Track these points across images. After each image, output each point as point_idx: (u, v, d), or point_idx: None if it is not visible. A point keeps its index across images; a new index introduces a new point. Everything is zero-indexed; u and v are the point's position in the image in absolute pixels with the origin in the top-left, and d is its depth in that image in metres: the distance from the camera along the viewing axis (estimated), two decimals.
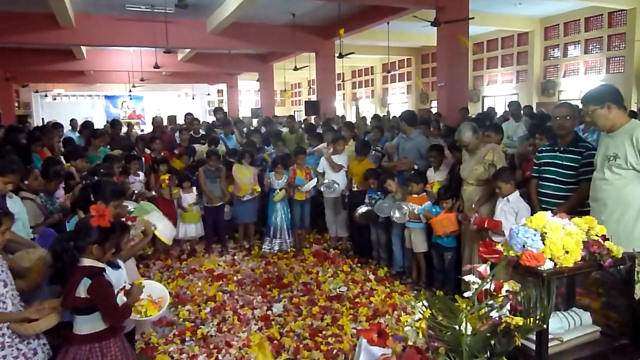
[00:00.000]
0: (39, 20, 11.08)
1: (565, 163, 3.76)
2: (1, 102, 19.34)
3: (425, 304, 1.70)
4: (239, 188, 6.41)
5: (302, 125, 11.22)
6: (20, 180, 4.05)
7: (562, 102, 4.36)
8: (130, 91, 21.02)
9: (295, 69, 14.80)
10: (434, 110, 12.62)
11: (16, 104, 21.01)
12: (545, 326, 1.73)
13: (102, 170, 4.89)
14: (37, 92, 21.20)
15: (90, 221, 2.53)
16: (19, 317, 2.55)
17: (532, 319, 1.66)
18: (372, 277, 5.51)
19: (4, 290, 2.54)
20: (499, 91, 15.98)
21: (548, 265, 1.87)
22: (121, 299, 2.60)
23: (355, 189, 6.05)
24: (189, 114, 10.02)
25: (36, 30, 11.35)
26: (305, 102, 16.41)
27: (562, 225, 1.97)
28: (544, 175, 3.91)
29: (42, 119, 18.95)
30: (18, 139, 5.79)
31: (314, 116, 13.92)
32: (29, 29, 11.33)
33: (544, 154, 3.98)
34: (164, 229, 3.72)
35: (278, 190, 6.35)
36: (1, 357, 2.48)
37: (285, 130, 9.45)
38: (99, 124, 12.52)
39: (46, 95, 21.36)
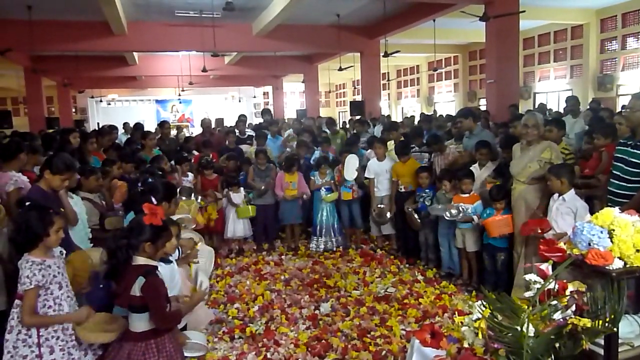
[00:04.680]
0: (94, 28, 11.54)
1: (631, 159, 3.50)
2: (60, 107, 20.38)
3: (484, 303, 1.62)
4: (284, 192, 6.42)
5: (347, 126, 11.17)
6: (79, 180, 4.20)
7: None
8: (179, 95, 21.56)
9: (340, 69, 14.74)
10: (483, 109, 12.27)
11: (73, 109, 22.02)
12: (615, 329, 1.62)
13: (159, 172, 4.97)
14: (92, 97, 22.09)
15: (143, 219, 2.56)
16: (70, 319, 2.61)
17: (600, 321, 1.55)
18: (420, 278, 5.41)
19: (59, 293, 2.59)
20: (551, 87, 15.36)
21: (617, 264, 1.75)
22: (175, 304, 2.63)
23: (403, 189, 5.94)
24: (243, 115, 10.23)
25: (91, 38, 11.82)
26: (350, 102, 16.33)
27: (631, 222, 1.84)
28: (613, 172, 3.67)
29: (98, 123, 19.68)
30: (68, 140, 5.90)
31: (359, 117, 13.85)
32: (84, 37, 11.82)
33: (618, 147, 3.72)
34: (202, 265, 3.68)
35: (325, 190, 6.37)
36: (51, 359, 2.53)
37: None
38: (150, 127, 12.89)
39: (101, 101, 22.22)
